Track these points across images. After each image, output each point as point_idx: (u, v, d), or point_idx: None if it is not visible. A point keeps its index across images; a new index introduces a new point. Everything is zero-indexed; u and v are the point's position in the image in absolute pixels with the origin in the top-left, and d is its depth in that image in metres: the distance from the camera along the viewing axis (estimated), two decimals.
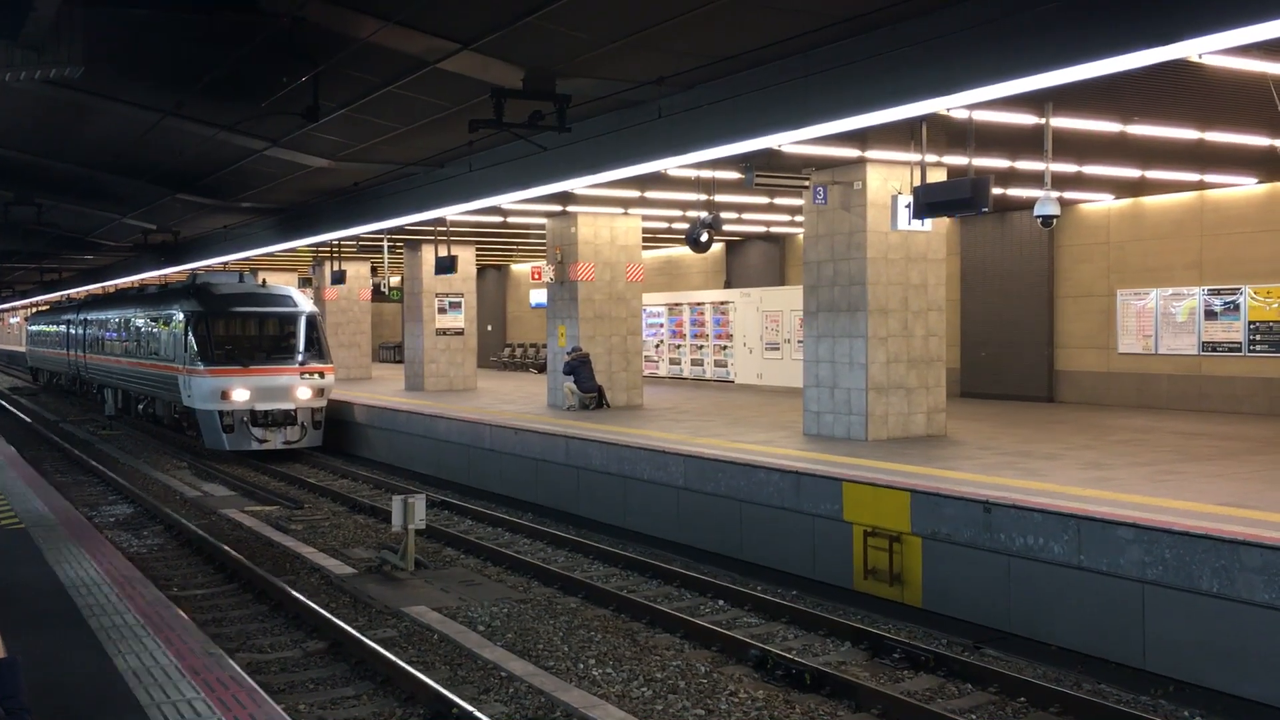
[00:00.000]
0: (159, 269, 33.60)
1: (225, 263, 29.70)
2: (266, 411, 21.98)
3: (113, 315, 30.99)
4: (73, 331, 37.17)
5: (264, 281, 26.18)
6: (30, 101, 14.63)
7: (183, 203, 22.60)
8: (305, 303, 24.06)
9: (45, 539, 10.34)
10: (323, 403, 22.71)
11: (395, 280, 30.11)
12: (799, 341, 24.32)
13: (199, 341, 22.36)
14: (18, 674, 5.09)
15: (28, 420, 30.78)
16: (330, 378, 23.05)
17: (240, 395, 21.72)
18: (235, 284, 24.56)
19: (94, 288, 44.40)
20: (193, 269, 31.73)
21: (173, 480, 19.64)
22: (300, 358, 22.69)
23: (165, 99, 14.60)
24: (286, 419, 22.16)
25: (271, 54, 11.75)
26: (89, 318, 34.40)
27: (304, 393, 22.26)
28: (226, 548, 13.13)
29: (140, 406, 28.25)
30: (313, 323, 23.44)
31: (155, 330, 25.62)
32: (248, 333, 23.54)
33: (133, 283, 38.09)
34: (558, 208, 20.29)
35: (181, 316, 23.31)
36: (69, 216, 26.53)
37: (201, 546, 13.65)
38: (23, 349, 62.76)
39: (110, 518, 16.04)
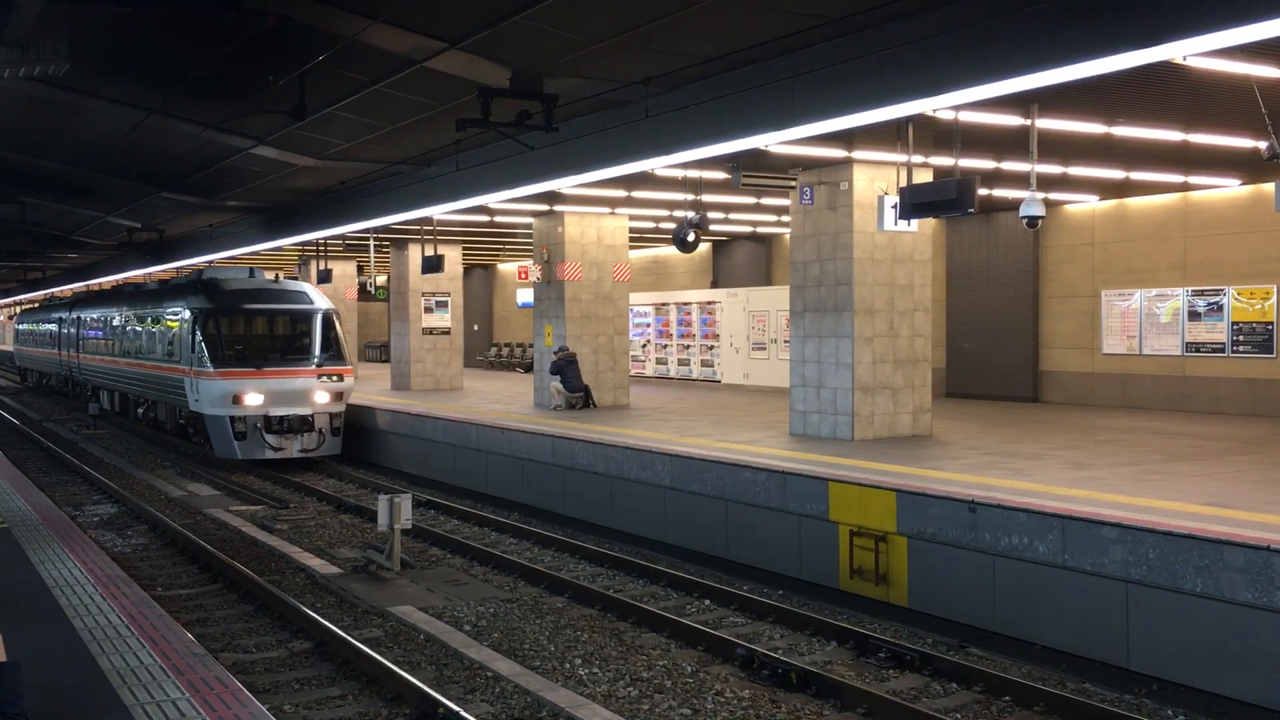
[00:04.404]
0: (143, 268, 33.36)
1: (210, 261, 29.49)
2: (282, 417, 20.50)
3: (110, 313, 29.28)
4: (65, 330, 35.47)
5: (277, 277, 25.23)
6: (14, 99, 14.56)
7: (167, 201, 22.49)
8: (321, 299, 22.47)
9: (28, 538, 10.29)
10: (342, 407, 21.22)
11: (381, 279, 30.09)
12: (785, 341, 24.38)
13: (208, 341, 20.82)
14: (19, 678, 5.05)
15: (11, 419, 30.59)
16: (349, 380, 21.53)
17: (253, 400, 20.26)
18: (245, 279, 22.82)
19: (78, 286, 44.07)
20: (177, 267, 31.61)
21: (157, 480, 19.55)
22: (317, 359, 21.19)
23: (150, 97, 14.54)
24: (303, 425, 20.68)
25: (258, 52, 11.72)
26: (82, 315, 32.71)
27: (322, 397, 20.79)
28: (211, 547, 13.08)
29: (140, 411, 26.62)
30: (330, 321, 21.89)
31: (158, 329, 23.98)
32: (261, 332, 21.93)
33: (122, 280, 37.40)
34: (545, 207, 20.28)
35: (188, 314, 21.67)
36: (52, 215, 26.41)
37: (186, 546, 13.59)
38: (10, 348, 61.76)
39: (94, 517, 15.96)
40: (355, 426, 22.29)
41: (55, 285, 47.11)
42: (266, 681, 8.63)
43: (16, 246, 32.96)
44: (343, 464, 21.52)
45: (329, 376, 21.00)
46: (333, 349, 21.57)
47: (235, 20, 10.98)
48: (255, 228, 25.15)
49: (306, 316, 21.91)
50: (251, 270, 23.60)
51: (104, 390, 30.31)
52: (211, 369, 20.57)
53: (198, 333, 21.10)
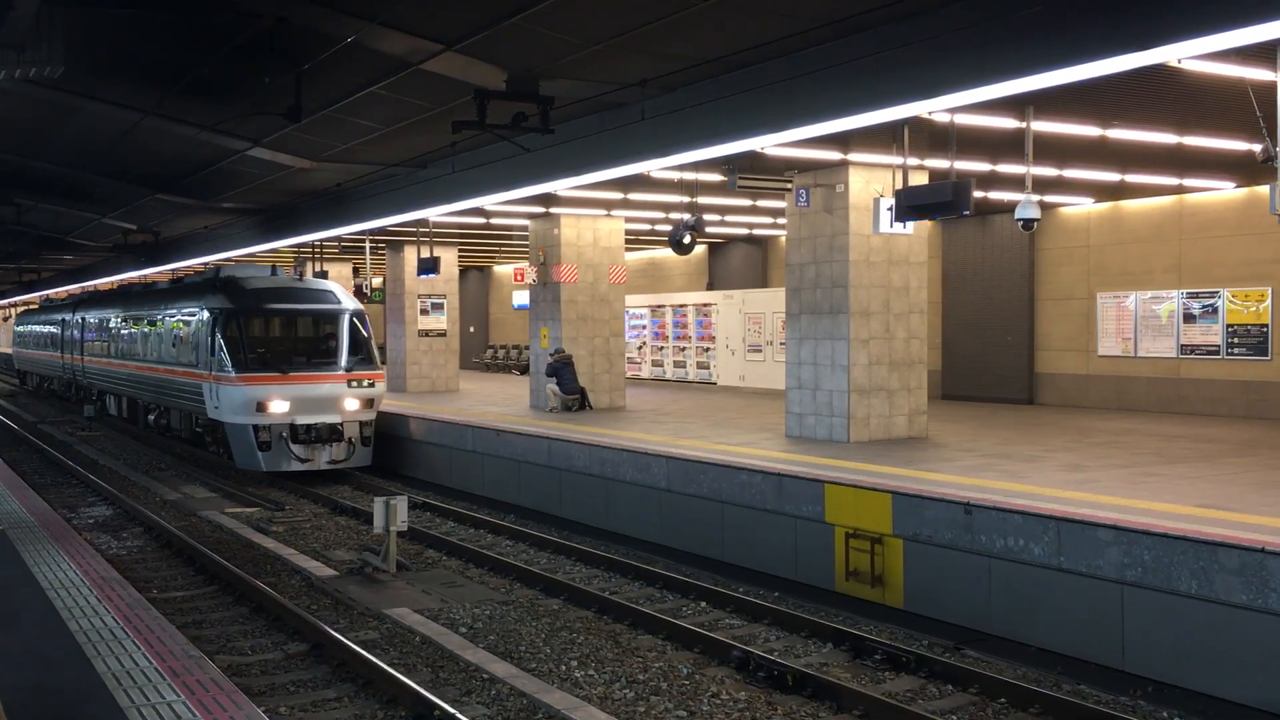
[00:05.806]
0: (139, 269, 33.30)
1: (205, 263, 29.38)
2: (309, 426, 19.04)
3: (118, 313, 27.74)
4: (68, 332, 33.97)
5: (301, 275, 24.17)
6: (10, 100, 14.54)
7: (163, 203, 22.47)
8: (349, 299, 21.02)
9: (23, 540, 10.27)
10: (372, 415, 19.71)
11: (377, 281, 30.04)
12: (781, 343, 24.39)
13: (229, 344, 19.36)
14: None
15: (8, 422, 30.53)
16: (380, 386, 20.00)
17: (279, 407, 18.81)
18: (267, 277, 21.36)
19: (74, 288, 43.92)
20: (173, 269, 31.56)
21: (152, 482, 19.52)
22: (346, 363, 19.70)
23: (146, 98, 14.54)
24: (332, 434, 19.17)
25: (254, 54, 11.72)
26: (87, 317, 31.10)
27: (351, 404, 19.33)
28: (207, 550, 13.06)
29: (151, 417, 25.13)
30: (359, 322, 20.40)
31: (173, 331, 22.46)
32: (285, 334, 20.61)
33: (120, 281, 37.11)
34: (541, 209, 20.29)
35: (207, 315, 20.23)
36: (48, 217, 26.39)
37: (181, 548, 13.57)
38: (8, 349, 60.92)
39: (89, 519, 15.93)
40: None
41: (51, 287, 46.95)
42: (262, 684, 8.62)
43: (12, 248, 32.90)
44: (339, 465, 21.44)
45: (359, 382, 19.57)
46: (362, 352, 20.13)
47: (232, 22, 10.99)
48: (251, 229, 25.14)
49: (334, 317, 20.38)
50: (274, 268, 22.31)
51: (110, 395, 29.08)
52: (233, 373, 19.13)
53: (218, 334, 19.66)
